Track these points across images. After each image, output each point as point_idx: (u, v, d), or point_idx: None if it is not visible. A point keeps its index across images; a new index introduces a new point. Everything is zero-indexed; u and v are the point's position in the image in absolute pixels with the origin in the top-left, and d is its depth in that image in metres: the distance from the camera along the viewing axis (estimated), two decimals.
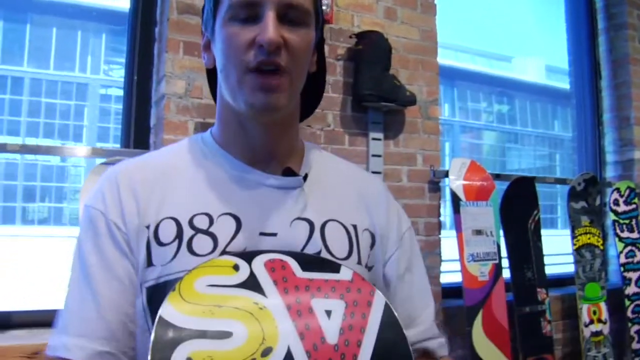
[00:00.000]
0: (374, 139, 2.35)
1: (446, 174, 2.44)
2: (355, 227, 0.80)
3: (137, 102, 2.13)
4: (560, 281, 3.07)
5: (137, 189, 0.76)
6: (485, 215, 2.43)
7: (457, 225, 2.37)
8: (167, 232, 0.73)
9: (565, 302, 2.87)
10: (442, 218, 2.52)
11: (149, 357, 0.59)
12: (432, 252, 2.46)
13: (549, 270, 2.71)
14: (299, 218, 0.77)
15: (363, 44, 2.26)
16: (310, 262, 0.71)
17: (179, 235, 0.72)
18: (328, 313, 0.65)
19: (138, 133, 2.13)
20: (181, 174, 0.79)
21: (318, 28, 0.80)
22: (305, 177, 0.80)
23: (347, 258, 0.77)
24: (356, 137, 2.34)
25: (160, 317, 0.62)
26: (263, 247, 0.72)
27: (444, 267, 2.54)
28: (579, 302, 2.69)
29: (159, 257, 0.72)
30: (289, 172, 0.80)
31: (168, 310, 0.62)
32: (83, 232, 0.76)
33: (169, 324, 0.61)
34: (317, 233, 0.76)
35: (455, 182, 2.40)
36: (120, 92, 2.93)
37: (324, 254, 0.75)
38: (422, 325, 0.84)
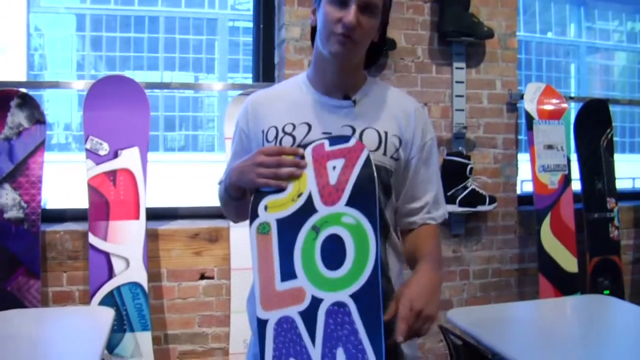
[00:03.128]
0: (457, 68, 2.77)
1: (522, 97, 2.81)
2: (386, 132, 1.27)
3: (264, 45, 2.71)
4: (636, 195, 3.37)
5: (258, 108, 1.32)
6: (556, 132, 2.81)
7: (530, 140, 2.77)
8: (271, 134, 1.27)
9: (638, 212, 3.18)
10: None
11: (251, 205, 1.16)
12: (509, 164, 2.89)
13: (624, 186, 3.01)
14: (346, 125, 1.26)
15: None
16: (335, 139, 1.18)
17: (276, 136, 1.26)
18: (333, 167, 1.14)
19: (265, 69, 2.74)
20: (285, 98, 1.32)
21: (384, 14, 1.27)
22: (354, 101, 1.28)
23: (376, 150, 1.24)
24: (442, 67, 2.77)
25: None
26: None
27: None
28: None
29: None
30: (346, 97, 1.29)
31: None
32: (234, 134, 1.36)
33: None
34: (357, 134, 1.25)
35: (529, 104, 2.78)
36: (248, 24, 3.56)
37: None
38: (420, 202, 1.32)
